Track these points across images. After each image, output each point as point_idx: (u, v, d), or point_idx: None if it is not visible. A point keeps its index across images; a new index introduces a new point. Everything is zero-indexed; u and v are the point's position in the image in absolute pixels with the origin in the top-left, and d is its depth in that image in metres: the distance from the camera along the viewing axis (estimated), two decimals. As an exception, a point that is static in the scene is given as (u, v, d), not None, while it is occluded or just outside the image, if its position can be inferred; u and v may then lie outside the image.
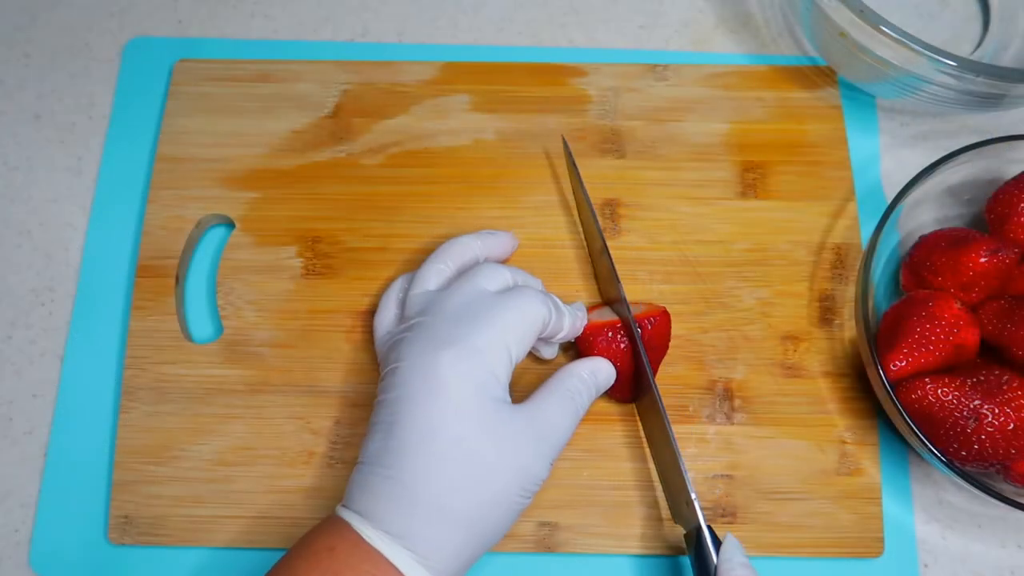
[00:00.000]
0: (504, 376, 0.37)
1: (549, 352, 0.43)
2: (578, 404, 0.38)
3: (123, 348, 0.45)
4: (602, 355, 0.40)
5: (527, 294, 0.38)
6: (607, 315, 0.42)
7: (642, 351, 0.40)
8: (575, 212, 0.47)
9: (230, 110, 0.49)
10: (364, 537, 0.34)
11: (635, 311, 0.42)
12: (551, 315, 0.39)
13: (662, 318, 0.41)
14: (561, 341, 0.41)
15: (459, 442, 0.34)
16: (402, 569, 0.33)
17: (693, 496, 0.37)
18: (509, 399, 0.37)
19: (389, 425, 0.35)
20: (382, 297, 0.42)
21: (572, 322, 0.40)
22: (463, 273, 0.40)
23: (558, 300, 0.40)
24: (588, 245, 0.46)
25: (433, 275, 0.40)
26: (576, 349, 0.43)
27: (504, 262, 0.44)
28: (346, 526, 0.34)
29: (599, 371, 0.40)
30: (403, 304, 0.41)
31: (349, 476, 0.37)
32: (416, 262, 0.46)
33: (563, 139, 0.45)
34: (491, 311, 0.37)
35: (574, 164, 0.45)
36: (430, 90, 0.50)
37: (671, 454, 0.39)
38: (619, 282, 0.41)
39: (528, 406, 0.37)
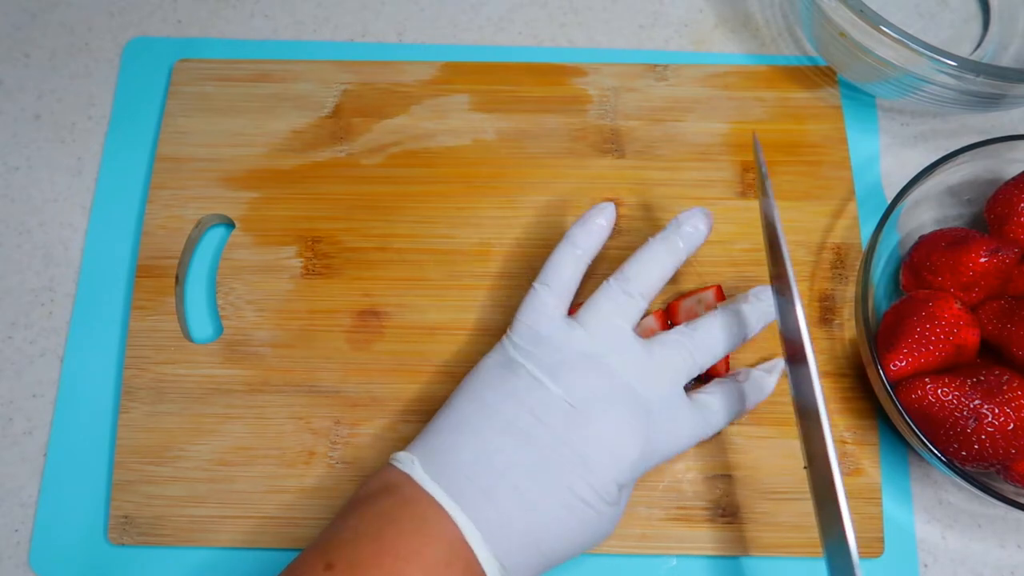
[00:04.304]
0: None
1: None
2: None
3: (123, 348, 0.45)
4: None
5: (720, 413, 0.39)
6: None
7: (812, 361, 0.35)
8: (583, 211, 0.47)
9: (230, 110, 0.49)
10: (481, 562, 0.33)
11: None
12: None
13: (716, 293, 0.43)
14: None
15: (598, 515, 0.35)
16: None
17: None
18: None
19: (545, 462, 0.34)
20: (551, 263, 0.39)
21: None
22: (662, 341, 0.37)
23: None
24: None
25: (634, 312, 0.38)
26: None
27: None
28: (463, 544, 0.32)
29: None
30: (571, 292, 0.39)
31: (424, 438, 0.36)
32: (416, 262, 0.46)
33: (754, 136, 0.40)
34: (689, 430, 0.37)
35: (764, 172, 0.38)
36: (430, 90, 0.50)
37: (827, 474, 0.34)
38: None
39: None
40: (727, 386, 0.40)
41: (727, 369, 0.43)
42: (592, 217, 0.39)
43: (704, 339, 0.38)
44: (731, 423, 0.40)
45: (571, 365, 0.36)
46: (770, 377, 0.41)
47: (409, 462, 0.34)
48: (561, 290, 0.38)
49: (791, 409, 0.43)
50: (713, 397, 0.39)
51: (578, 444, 0.34)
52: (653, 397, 0.36)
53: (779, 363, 0.41)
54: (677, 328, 0.38)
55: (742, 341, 0.39)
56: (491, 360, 0.38)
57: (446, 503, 0.33)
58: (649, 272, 0.38)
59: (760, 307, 0.39)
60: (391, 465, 0.35)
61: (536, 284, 0.39)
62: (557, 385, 0.35)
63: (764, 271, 0.46)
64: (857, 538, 0.41)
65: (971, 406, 0.37)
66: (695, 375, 0.38)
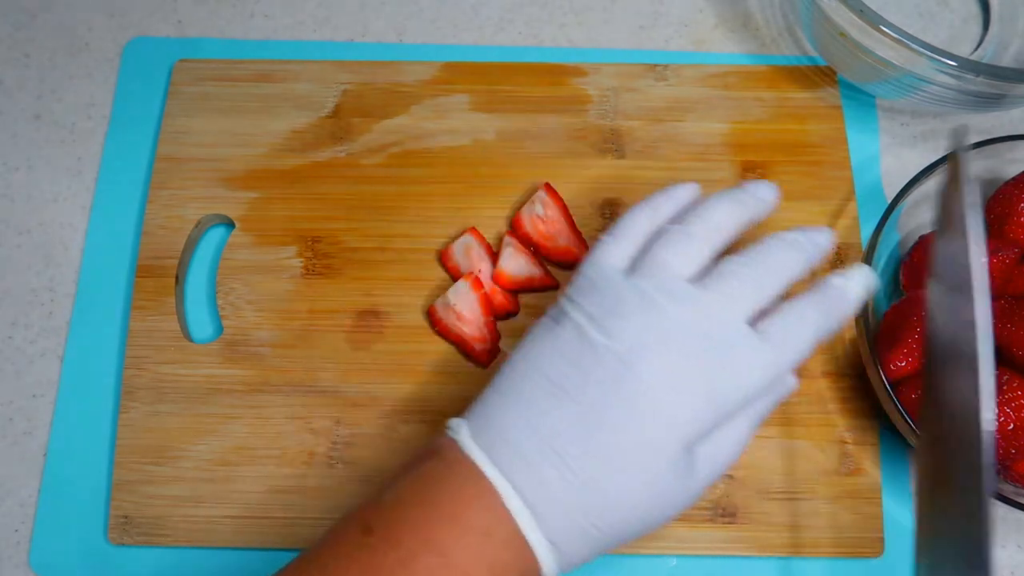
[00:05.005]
0: None
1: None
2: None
3: (123, 348, 0.45)
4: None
5: (796, 340, 0.33)
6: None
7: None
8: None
9: (230, 110, 0.49)
10: (524, 533, 0.29)
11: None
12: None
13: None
14: None
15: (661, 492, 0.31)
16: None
17: None
18: None
19: (599, 419, 0.30)
20: (624, 220, 0.35)
21: None
22: (719, 273, 0.33)
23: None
24: None
25: (695, 256, 0.34)
26: None
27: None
28: (504, 512, 0.29)
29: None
30: (640, 248, 0.35)
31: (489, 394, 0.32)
32: (416, 262, 0.46)
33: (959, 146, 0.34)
34: (760, 366, 0.32)
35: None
36: (430, 90, 0.50)
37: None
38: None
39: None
40: (799, 306, 0.33)
41: None
42: (677, 187, 0.37)
43: (767, 264, 0.34)
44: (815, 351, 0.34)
45: (618, 310, 0.32)
46: (850, 282, 0.34)
47: (457, 426, 0.32)
48: (625, 240, 0.35)
49: (792, 409, 0.43)
50: (784, 321, 0.33)
51: (629, 397, 0.31)
52: (712, 334, 0.32)
53: (859, 268, 0.35)
54: (732, 258, 0.34)
55: (808, 266, 0.34)
56: (545, 315, 0.35)
57: (486, 468, 0.30)
58: (710, 215, 0.34)
59: (815, 236, 0.35)
60: (441, 431, 0.33)
61: (602, 236, 0.36)
62: (602, 333, 0.32)
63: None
64: (857, 538, 0.41)
65: (971, 406, 0.37)
66: (761, 305, 0.33)
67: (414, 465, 0.32)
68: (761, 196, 0.36)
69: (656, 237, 0.35)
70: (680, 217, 0.35)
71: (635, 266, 0.34)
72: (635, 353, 0.31)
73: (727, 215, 0.35)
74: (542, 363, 0.32)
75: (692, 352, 0.31)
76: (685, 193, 0.36)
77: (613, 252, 0.35)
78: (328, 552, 0.30)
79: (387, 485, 0.32)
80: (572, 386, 0.31)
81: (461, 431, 0.32)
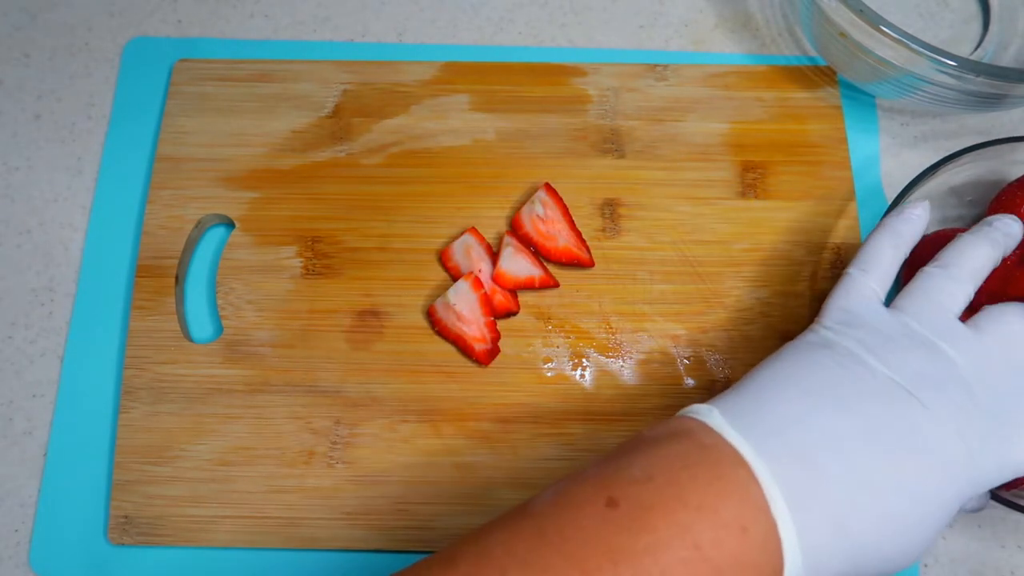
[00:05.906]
0: None
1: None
2: None
3: (123, 348, 0.45)
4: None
5: None
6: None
7: None
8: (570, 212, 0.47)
9: (230, 110, 0.49)
10: (781, 537, 0.27)
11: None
12: None
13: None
14: None
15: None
16: None
17: None
18: None
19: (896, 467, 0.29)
20: (869, 249, 0.36)
21: None
22: (996, 329, 0.33)
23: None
24: None
25: (961, 298, 0.34)
26: None
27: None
28: (764, 507, 0.27)
29: None
30: (886, 290, 0.35)
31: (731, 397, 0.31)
32: (416, 262, 0.46)
33: None
34: None
35: None
36: (430, 90, 0.50)
37: None
38: None
39: None
40: None
41: None
42: (909, 208, 0.36)
43: None
44: None
45: (896, 344, 0.32)
46: None
47: (706, 411, 0.30)
48: (879, 275, 0.35)
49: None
50: None
51: (907, 426, 0.30)
52: (995, 397, 0.31)
53: None
54: (1010, 305, 0.34)
55: None
56: (798, 341, 0.33)
57: (747, 452, 0.28)
58: (968, 257, 0.35)
59: None
60: (682, 416, 0.31)
61: (851, 269, 0.35)
62: (881, 363, 0.31)
63: (763, 271, 0.46)
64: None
65: (971, 406, 0.37)
66: None
67: (657, 442, 0.30)
68: (1011, 232, 0.36)
69: (918, 277, 0.35)
70: (937, 259, 0.35)
71: (900, 304, 0.34)
72: (918, 388, 0.30)
73: (985, 257, 0.35)
74: (811, 373, 0.31)
75: (975, 396, 0.31)
76: (920, 213, 0.36)
77: (867, 285, 0.35)
78: (567, 516, 0.28)
79: (624, 455, 0.30)
80: (849, 397, 0.30)
81: (712, 414, 0.30)
